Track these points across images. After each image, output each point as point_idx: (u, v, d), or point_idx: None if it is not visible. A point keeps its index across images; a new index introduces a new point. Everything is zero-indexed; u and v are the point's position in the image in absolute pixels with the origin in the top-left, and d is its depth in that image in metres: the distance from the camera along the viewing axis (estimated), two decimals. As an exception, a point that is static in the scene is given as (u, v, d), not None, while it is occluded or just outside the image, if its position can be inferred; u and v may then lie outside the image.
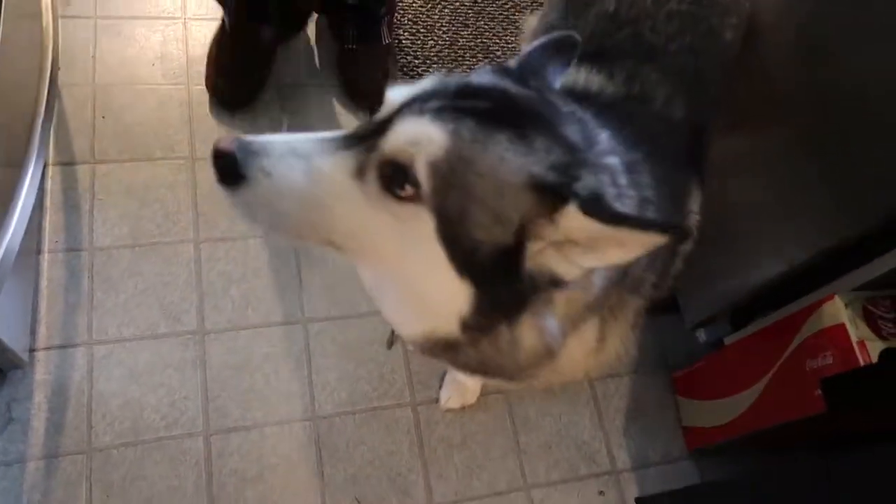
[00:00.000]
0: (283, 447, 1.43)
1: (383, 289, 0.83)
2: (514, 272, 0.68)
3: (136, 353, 1.45)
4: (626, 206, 0.71)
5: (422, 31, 1.95)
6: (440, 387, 1.54)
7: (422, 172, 0.64)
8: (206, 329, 1.50)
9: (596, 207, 0.63)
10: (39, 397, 1.37)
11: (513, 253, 0.67)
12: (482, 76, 0.73)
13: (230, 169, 0.68)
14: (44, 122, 1.28)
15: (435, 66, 1.91)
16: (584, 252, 0.66)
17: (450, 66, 1.92)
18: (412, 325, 0.82)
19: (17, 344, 1.33)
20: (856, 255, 1.22)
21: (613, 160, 0.73)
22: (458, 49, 1.95)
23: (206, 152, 1.64)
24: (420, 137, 0.65)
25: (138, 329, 1.47)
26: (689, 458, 1.60)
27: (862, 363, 1.16)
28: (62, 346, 1.42)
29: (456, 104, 0.66)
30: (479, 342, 0.78)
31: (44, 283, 1.46)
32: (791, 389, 1.31)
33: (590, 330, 0.87)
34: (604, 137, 0.76)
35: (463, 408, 1.53)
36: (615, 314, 0.89)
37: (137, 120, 1.67)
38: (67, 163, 1.58)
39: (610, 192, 0.69)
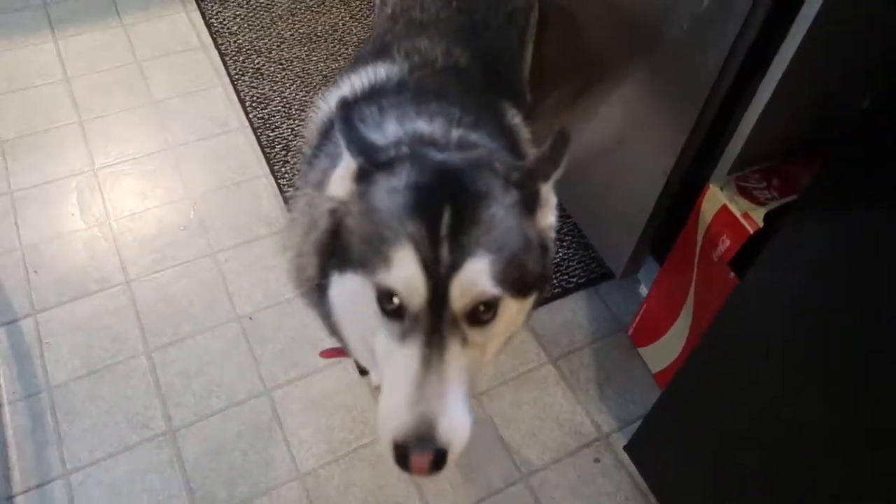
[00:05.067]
0: (277, 513, 1.44)
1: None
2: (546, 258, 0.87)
3: (112, 469, 1.47)
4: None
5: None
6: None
7: (492, 289, 0.76)
8: (175, 427, 1.53)
9: (546, 174, 0.83)
10: (27, 540, 1.38)
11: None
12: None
13: (440, 460, 0.75)
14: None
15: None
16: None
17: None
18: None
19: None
20: (712, 148, 1.34)
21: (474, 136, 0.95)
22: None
23: (137, 273, 1.75)
24: (473, 279, 0.75)
25: (110, 446, 1.50)
26: (667, 400, 1.63)
27: (752, 231, 1.25)
28: (39, 486, 1.44)
29: (445, 232, 0.75)
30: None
31: (9, 432, 1.50)
32: (712, 287, 1.38)
33: None
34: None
35: None
36: None
37: (69, 263, 1.78)
38: (10, 321, 1.66)
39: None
